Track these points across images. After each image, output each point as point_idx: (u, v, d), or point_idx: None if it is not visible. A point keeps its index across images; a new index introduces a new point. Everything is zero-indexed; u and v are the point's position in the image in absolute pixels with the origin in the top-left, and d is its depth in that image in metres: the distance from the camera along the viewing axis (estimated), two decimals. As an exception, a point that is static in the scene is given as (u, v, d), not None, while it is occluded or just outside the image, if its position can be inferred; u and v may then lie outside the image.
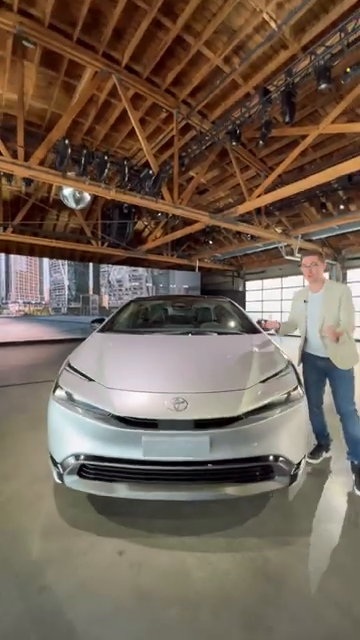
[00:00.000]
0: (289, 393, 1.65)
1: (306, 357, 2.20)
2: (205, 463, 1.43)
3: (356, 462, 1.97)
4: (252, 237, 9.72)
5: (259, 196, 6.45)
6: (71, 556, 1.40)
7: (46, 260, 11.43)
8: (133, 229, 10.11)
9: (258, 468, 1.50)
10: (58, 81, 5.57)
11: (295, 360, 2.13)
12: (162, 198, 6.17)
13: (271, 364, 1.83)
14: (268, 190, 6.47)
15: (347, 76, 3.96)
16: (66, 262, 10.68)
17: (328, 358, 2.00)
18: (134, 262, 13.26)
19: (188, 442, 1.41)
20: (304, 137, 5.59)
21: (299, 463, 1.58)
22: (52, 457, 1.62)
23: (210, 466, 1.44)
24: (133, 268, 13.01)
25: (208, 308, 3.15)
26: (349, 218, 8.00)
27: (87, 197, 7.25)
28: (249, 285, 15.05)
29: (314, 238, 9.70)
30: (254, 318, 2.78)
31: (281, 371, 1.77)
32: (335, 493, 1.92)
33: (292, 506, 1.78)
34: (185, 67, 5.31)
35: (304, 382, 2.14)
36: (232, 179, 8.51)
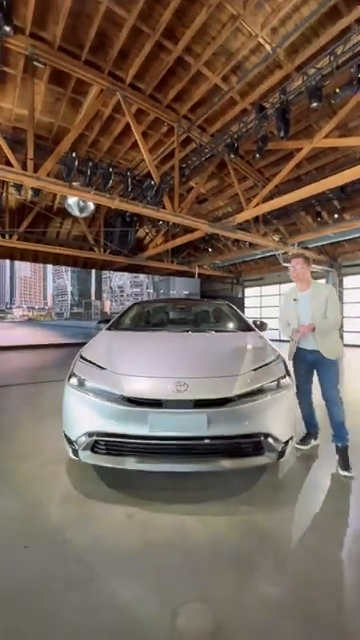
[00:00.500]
0: (278, 380, 1.86)
1: (297, 351, 2.37)
2: (203, 438, 1.62)
3: (339, 444, 2.13)
4: (250, 245, 9.97)
5: (256, 205, 6.70)
6: (87, 518, 1.60)
7: (50, 266, 11.58)
8: (135, 237, 10.38)
9: (250, 444, 1.69)
10: (65, 97, 5.88)
11: (285, 355, 2.31)
12: (163, 207, 6.42)
13: (262, 356, 2.03)
14: (265, 200, 6.73)
15: (337, 96, 4.24)
16: (69, 268, 10.86)
17: (317, 350, 2.20)
18: (135, 269, 13.52)
19: (188, 419, 1.61)
20: (299, 150, 5.87)
21: (287, 441, 1.78)
22: (67, 437, 1.81)
23: (208, 441, 1.63)
24: (134, 275, 13.26)
25: (207, 310, 3.34)
26: (343, 226, 8.26)
27: (91, 206, 7.52)
28: (248, 292, 15.27)
29: (310, 246, 9.95)
30: (250, 320, 2.98)
31: (271, 362, 1.98)
32: (320, 473, 2.11)
33: (281, 482, 1.97)
34: (186, 85, 5.62)
35: (295, 374, 2.34)
36: (231, 189, 8.80)
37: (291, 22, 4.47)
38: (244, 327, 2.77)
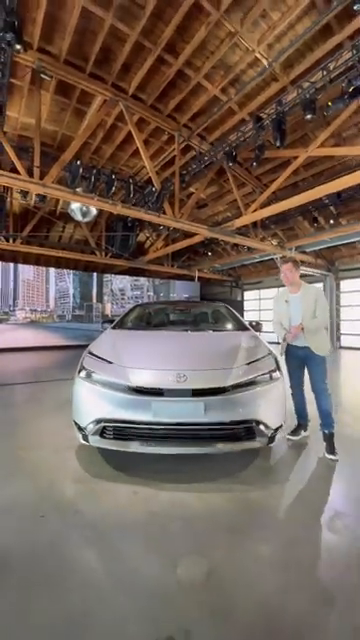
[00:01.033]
0: (269, 373, 2.04)
1: (288, 348, 2.56)
2: (201, 424, 1.80)
3: (327, 431, 2.32)
4: (249, 249, 10.18)
5: (255, 211, 6.91)
6: (96, 494, 1.77)
7: (52, 269, 11.80)
8: (135, 241, 10.58)
9: (243, 430, 1.86)
10: (70, 107, 6.11)
11: (277, 352, 2.48)
12: (164, 212, 6.62)
13: (255, 352, 2.22)
14: (263, 205, 6.93)
15: (329, 109, 4.46)
16: (71, 272, 11.04)
17: (307, 347, 2.39)
18: (136, 272, 13.70)
19: (187, 407, 1.79)
20: (295, 158, 6.09)
21: (277, 428, 1.96)
22: (77, 424, 1.98)
23: (205, 427, 1.80)
24: (135, 278, 13.44)
25: (205, 312, 3.52)
26: (340, 231, 8.47)
27: (93, 211, 7.72)
28: (247, 295, 15.46)
29: (308, 250, 10.16)
30: (246, 321, 3.17)
31: (263, 357, 2.16)
32: (308, 458, 2.29)
33: (272, 466, 2.16)
34: (186, 96, 5.85)
35: (287, 369, 2.55)
36: (230, 195, 9.02)
37: (286, 38, 4.70)
38: (240, 327, 2.95)
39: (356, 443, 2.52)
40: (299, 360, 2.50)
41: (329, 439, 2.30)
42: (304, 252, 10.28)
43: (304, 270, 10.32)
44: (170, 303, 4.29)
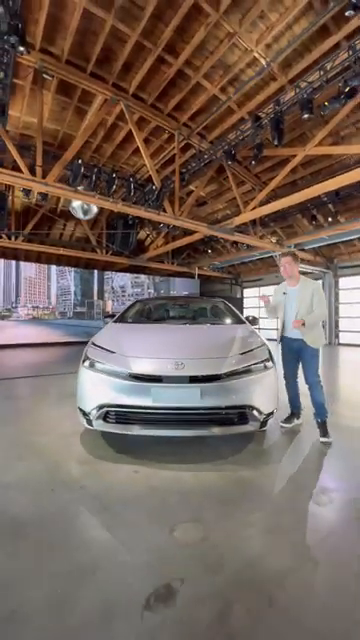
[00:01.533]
0: (262, 362, 2.18)
1: (284, 339, 2.66)
2: (197, 409, 1.93)
3: (319, 420, 2.46)
4: (248, 246, 10.27)
5: (254, 209, 7.00)
6: (100, 473, 1.92)
7: (53, 267, 11.97)
8: (136, 238, 10.69)
9: (236, 414, 2.00)
10: (71, 106, 6.19)
11: (272, 347, 2.61)
12: (164, 210, 6.72)
13: (249, 343, 2.35)
14: (262, 203, 7.03)
15: (326, 108, 4.55)
16: (72, 269, 11.19)
17: (302, 339, 2.47)
18: (136, 270, 13.81)
19: (185, 392, 1.92)
20: (294, 157, 6.18)
21: (268, 413, 2.10)
22: (82, 410, 2.12)
23: (201, 411, 1.94)
24: (135, 275, 13.55)
25: (203, 306, 3.65)
26: (338, 229, 8.55)
27: (94, 209, 7.82)
28: (246, 292, 15.56)
29: (307, 248, 10.25)
30: (243, 315, 3.29)
31: (257, 347, 2.29)
32: (301, 443, 2.42)
33: (265, 450, 2.30)
34: (186, 95, 5.93)
35: (282, 360, 2.66)
36: (229, 192, 9.10)
37: (284, 39, 4.78)
38: (236, 320, 3.08)
39: (350, 430, 2.65)
40: (293, 352, 2.58)
41: (322, 425, 2.44)
42: (303, 250, 10.37)
43: (304, 268, 10.43)
44: (170, 298, 4.43)
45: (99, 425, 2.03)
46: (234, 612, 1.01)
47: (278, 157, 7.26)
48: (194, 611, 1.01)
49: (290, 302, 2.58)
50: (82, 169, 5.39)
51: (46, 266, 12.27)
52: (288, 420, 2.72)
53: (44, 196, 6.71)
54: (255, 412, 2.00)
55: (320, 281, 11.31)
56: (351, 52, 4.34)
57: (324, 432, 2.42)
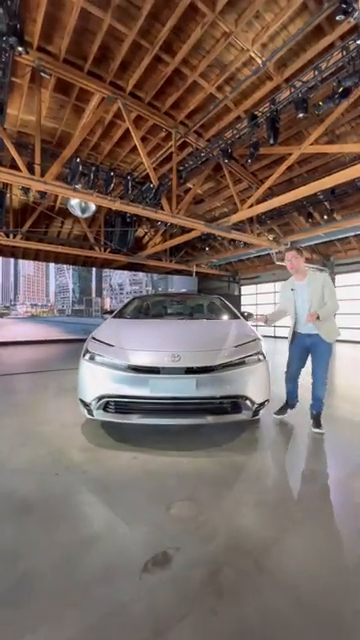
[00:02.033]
0: (254, 355, 2.29)
1: (297, 336, 2.59)
2: (193, 398, 2.04)
3: (315, 412, 2.56)
4: (245, 244, 10.36)
5: (250, 207, 7.09)
6: (101, 459, 2.03)
7: (52, 265, 11.98)
8: (134, 236, 10.75)
9: (230, 404, 2.12)
10: (69, 104, 6.23)
11: (268, 343, 2.70)
12: (161, 208, 6.80)
13: (243, 336, 2.45)
14: (259, 201, 7.12)
15: (320, 108, 4.63)
16: (71, 267, 11.19)
17: (316, 334, 2.43)
18: (134, 267, 13.88)
19: (181, 383, 2.03)
20: (290, 155, 6.26)
21: (261, 403, 2.21)
22: (83, 401, 2.22)
23: (196, 400, 2.05)
24: (133, 273, 13.60)
25: (200, 303, 3.75)
26: (334, 226, 8.66)
27: (92, 207, 7.87)
28: (244, 290, 15.68)
29: (303, 245, 10.34)
30: (239, 312, 3.39)
31: (250, 341, 2.40)
32: (294, 432, 2.54)
33: (258, 438, 2.41)
34: (182, 94, 5.98)
35: (289, 356, 2.64)
36: (226, 190, 9.17)
37: (280, 38, 4.84)
38: (232, 316, 3.19)
39: (344, 422, 2.77)
40: (304, 349, 2.54)
41: (316, 417, 2.54)
42: (301, 247, 10.47)
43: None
44: (167, 295, 4.53)
45: (99, 415, 2.13)
46: (223, 573, 1.12)
47: (274, 155, 7.34)
48: (188, 573, 1.12)
49: (300, 297, 2.52)
50: (80, 167, 5.45)
51: (44, 264, 12.29)
52: (281, 411, 2.76)
53: (42, 194, 6.77)
54: (248, 402, 2.12)
55: (326, 271, 11.38)
56: (345, 52, 4.42)
57: (317, 424, 2.51)
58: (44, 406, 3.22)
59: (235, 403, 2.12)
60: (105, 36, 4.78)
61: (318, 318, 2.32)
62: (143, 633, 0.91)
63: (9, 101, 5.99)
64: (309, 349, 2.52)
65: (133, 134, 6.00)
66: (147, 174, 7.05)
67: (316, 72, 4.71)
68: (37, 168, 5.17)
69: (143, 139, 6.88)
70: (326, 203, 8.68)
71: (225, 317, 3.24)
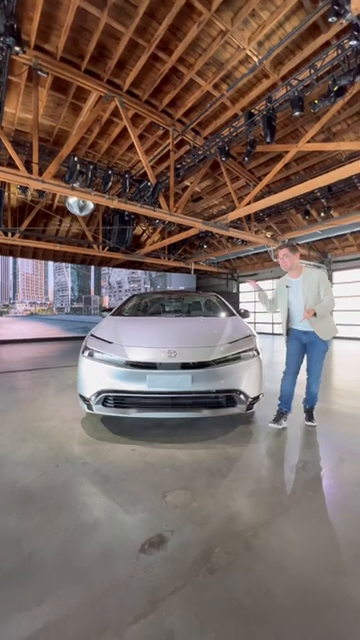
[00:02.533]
0: (249, 350, 2.36)
1: (292, 332, 2.56)
2: (189, 392, 2.12)
3: (308, 406, 2.63)
4: (243, 241, 10.41)
5: (248, 204, 7.13)
6: (100, 452, 2.10)
7: (51, 263, 12.15)
8: (132, 234, 10.77)
9: (225, 398, 2.19)
10: (66, 103, 6.24)
11: (264, 340, 2.75)
12: (159, 206, 6.83)
13: (238, 333, 2.52)
14: (257, 199, 7.16)
15: (315, 106, 4.67)
16: (69, 265, 11.38)
17: (312, 331, 2.41)
18: (133, 265, 13.91)
19: (177, 378, 2.10)
20: (287, 152, 6.30)
21: (254, 397, 2.29)
22: (82, 396, 2.29)
23: (192, 395, 2.13)
24: (132, 271, 13.64)
25: (197, 300, 3.82)
26: (331, 224, 8.72)
27: (90, 205, 7.90)
28: (242, 287, 15.74)
29: (301, 242, 10.41)
30: (238, 309, 3.47)
31: (245, 337, 2.47)
32: (287, 424, 2.59)
33: (252, 431, 2.48)
34: (179, 92, 6.00)
35: (287, 353, 2.58)
36: (224, 188, 9.20)
37: (276, 37, 4.86)
38: (228, 313, 3.26)
39: (338, 416, 2.85)
40: (301, 345, 2.51)
41: (309, 411, 2.60)
42: (297, 244, 10.53)
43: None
44: (165, 293, 4.59)
45: (99, 409, 2.20)
46: (215, 553, 1.20)
47: (271, 153, 7.37)
48: (182, 553, 1.20)
49: (295, 293, 2.47)
50: (78, 166, 5.49)
51: (43, 262, 12.35)
52: (277, 420, 2.56)
53: (41, 192, 6.79)
54: (242, 396, 2.20)
55: (324, 268, 11.45)
56: (340, 51, 4.45)
57: (310, 417, 2.58)
58: (44, 402, 3.29)
59: (230, 397, 2.19)
60: (102, 34, 4.79)
61: (315, 315, 2.28)
62: (139, 604, 0.99)
63: (6, 99, 6.00)
64: (306, 345, 2.49)
65: (130, 132, 6.02)
66: (145, 172, 7.09)
67: (312, 70, 4.74)
68: (35, 167, 5.20)
69: (140, 137, 6.90)
70: (323, 200, 8.74)
71: (221, 314, 3.30)
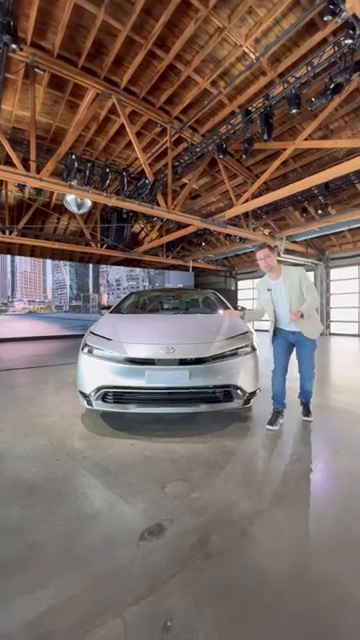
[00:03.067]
0: (245, 346, 2.40)
1: (279, 332, 2.54)
2: (186, 388, 2.17)
3: (304, 400, 2.67)
4: (241, 239, 10.43)
5: (246, 202, 7.15)
6: (100, 446, 2.15)
7: (49, 261, 12.04)
8: (130, 232, 10.77)
9: (222, 393, 2.24)
10: (63, 100, 6.22)
11: (260, 337, 2.80)
12: (157, 204, 6.84)
13: (234, 329, 2.57)
14: (254, 196, 7.18)
15: (312, 104, 4.69)
16: (68, 263, 11.27)
17: (299, 331, 2.40)
18: (131, 263, 13.91)
19: (175, 373, 2.14)
20: (284, 150, 6.31)
21: (251, 392, 2.34)
22: (82, 392, 2.33)
23: (190, 390, 2.17)
24: (130, 268, 13.65)
25: (195, 298, 3.86)
26: (329, 221, 8.75)
27: (88, 202, 7.88)
28: (241, 284, 15.78)
29: (299, 239, 10.45)
30: (236, 306, 3.52)
31: (241, 334, 2.51)
32: (284, 419, 2.62)
33: (249, 426, 2.54)
34: (177, 89, 6.00)
35: (274, 352, 2.57)
36: (222, 185, 9.21)
37: (272, 34, 4.87)
38: (225, 310, 3.29)
39: (334, 411, 2.90)
40: (288, 344, 2.50)
41: (305, 405, 2.65)
42: (295, 242, 10.58)
43: (296, 259, 10.65)
44: (163, 290, 4.63)
45: (98, 405, 2.25)
46: (212, 540, 1.25)
47: (269, 150, 7.38)
48: (180, 540, 1.25)
49: (278, 296, 2.44)
50: (76, 164, 5.49)
51: (42, 261, 12.31)
52: (274, 422, 2.49)
53: (38, 190, 6.79)
54: (239, 391, 2.25)
55: (312, 273, 11.56)
56: (337, 48, 4.46)
57: (307, 412, 2.62)
58: (44, 399, 3.33)
59: (227, 392, 2.24)
60: (99, 31, 4.77)
61: (302, 316, 2.27)
62: (140, 587, 1.04)
63: (3, 97, 5.96)
64: (294, 345, 2.49)
65: (128, 129, 6.02)
66: (142, 170, 7.07)
67: (309, 68, 4.75)
68: (32, 165, 5.20)
69: (138, 134, 6.90)
70: (320, 198, 8.76)
71: (219, 311, 3.35)
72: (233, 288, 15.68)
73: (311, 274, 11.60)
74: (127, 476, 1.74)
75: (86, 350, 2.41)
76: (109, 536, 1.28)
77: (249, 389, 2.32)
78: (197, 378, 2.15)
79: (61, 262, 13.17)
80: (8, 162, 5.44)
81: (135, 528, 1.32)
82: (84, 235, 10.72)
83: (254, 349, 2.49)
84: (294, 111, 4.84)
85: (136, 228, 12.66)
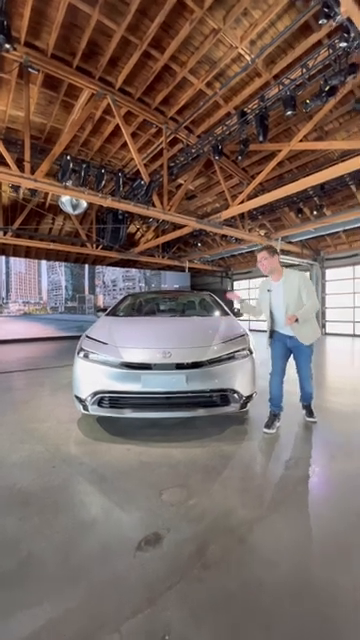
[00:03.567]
0: (242, 350, 2.39)
1: (276, 334, 2.53)
2: (183, 392, 2.15)
3: (305, 403, 2.68)
4: (237, 240, 10.46)
5: (241, 202, 7.16)
6: (97, 452, 2.12)
7: (44, 262, 11.95)
8: (126, 232, 10.73)
9: (219, 397, 2.23)
10: (58, 100, 6.17)
11: (257, 338, 2.80)
12: (153, 205, 6.82)
13: (231, 332, 2.56)
14: (250, 197, 7.19)
15: (307, 106, 4.71)
16: (63, 264, 11.16)
17: (295, 336, 2.39)
18: (127, 263, 13.86)
19: (172, 378, 2.13)
20: (280, 151, 6.33)
21: (248, 396, 2.33)
22: (78, 397, 2.30)
23: (187, 394, 2.16)
24: (126, 269, 13.59)
25: (191, 300, 3.85)
26: (324, 222, 8.81)
27: (84, 203, 7.83)
28: (237, 285, 15.81)
29: (294, 240, 10.50)
30: (232, 307, 3.50)
31: (237, 337, 2.50)
32: (281, 422, 2.62)
33: (247, 429, 2.53)
34: (172, 90, 5.98)
35: (272, 355, 2.57)
36: (218, 186, 9.21)
37: (268, 35, 4.87)
38: (221, 312, 3.29)
39: (329, 413, 2.91)
40: (285, 348, 2.49)
41: (308, 407, 2.66)
42: (290, 242, 10.63)
43: (291, 260, 10.70)
44: (159, 292, 4.62)
45: (94, 410, 2.22)
46: (210, 549, 1.24)
47: (265, 151, 7.40)
48: (177, 549, 1.23)
49: (277, 298, 2.43)
50: (71, 165, 5.44)
51: (36, 261, 12.20)
52: (271, 425, 2.47)
53: (33, 191, 6.73)
54: (236, 395, 2.24)
55: (307, 273, 11.63)
56: (331, 51, 4.49)
57: (310, 413, 2.63)
58: (40, 403, 3.29)
59: (224, 396, 2.23)
60: (93, 32, 4.74)
61: (297, 321, 2.24)
62: (137, 599, 1.02)
63: (-4, 97, 5.91)
64: (291, 349, 2.48)
65: (123, 130, 5.99)
66: (138, 170, 7.05)
67: (304, 70, 4.77)
68: (27, 165, 5.14)
69: (133, 135, 6.87)
70: (316, 199, 8.81)
71: (215, 313, 3.34)
72: (229, 288, 15.70)
73: (307, 274, 11.66)
74: (124, 483, 1.72)
75: (82, 354, 2.39)
76: (106, 545, 1.26)
77: (246, 393, 2.31)
78: (194, 382, 2.14)
79: (56, 263, 13.08)
80: (2, 163, 5.37)
81: (132, 537, 1.31)
82: (79, 236, 10.66)
83: (251, 352, 2.48)
84: (289, 113, 4.86)
85: (132, 229, 12.62)
